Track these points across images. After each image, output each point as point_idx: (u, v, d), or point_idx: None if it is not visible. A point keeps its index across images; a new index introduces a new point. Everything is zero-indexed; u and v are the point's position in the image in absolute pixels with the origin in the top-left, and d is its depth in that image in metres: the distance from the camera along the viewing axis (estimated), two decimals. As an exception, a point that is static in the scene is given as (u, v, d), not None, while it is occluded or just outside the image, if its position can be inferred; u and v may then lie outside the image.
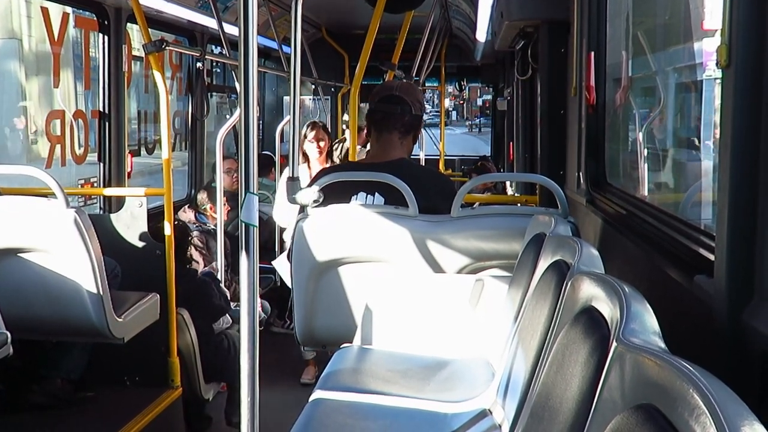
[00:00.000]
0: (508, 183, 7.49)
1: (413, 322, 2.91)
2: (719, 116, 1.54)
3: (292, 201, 3.08)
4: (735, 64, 1.45)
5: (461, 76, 10.85)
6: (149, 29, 4.18)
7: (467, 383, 2.52)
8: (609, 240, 2.86)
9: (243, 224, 1.90)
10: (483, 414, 2.32)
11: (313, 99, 7.71)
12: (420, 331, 2.88)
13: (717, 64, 1.48)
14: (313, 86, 7.51)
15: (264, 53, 7.41)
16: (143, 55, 4.65)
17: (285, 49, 6.38)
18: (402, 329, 2.90)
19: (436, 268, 3.04)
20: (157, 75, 4.18)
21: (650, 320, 1.37)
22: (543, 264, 2.28)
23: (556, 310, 1.90)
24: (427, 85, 10.22)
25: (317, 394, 2.43)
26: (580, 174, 3.40)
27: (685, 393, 1.00)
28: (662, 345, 1.28)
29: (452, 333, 2.86)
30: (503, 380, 2.28)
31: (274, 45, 6.82)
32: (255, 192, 1.90)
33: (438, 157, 8.94)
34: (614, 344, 1.32)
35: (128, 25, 4.99)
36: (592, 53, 3.31)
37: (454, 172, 9.45)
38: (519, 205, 4.54)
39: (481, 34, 6.81)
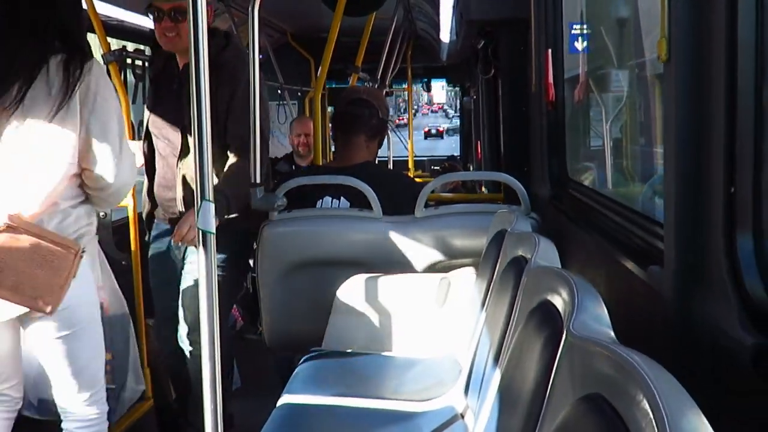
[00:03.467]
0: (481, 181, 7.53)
1: (381, 322, 2.92)
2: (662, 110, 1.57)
3: (256, 207, 3.09)
4: (675, 58, 1.48)
5: (428, 77, 10.90)
6: (111, 38, 4.15)
7: (435, 381, 2.54)
8: (571, 234, 2.89)
9: (200, 232, 1.90)
10: (450, 411, 2.34)
11: (280, 104, 7.68)
12: (387, 331, 2.90)
13: (657, 59, 1.51)
14: (279, 91, 7.49)
15: None
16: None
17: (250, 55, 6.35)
18: (370, 330, 2.91)
19: (402, 268, 3.05)
20: (116, 85, 4.15)
21: (600, 312, 1.40)
22: (504, 260, 2.31)
23: (515, 304, 1.92)
24: (394, 86, 10.26)
25: (285, 398, 2.44)
26: (543, 170, 3.43)
27: (629, 382, 1.02)
28: (611, 336, 1.30)
29: (420, 332, 2.88)
30: (469, 377, 2.30)
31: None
32: (211, 199, 1.90)
33: (407, 158, 8.96)
34: (565, 336, 1.34)
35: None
36: (550, 51, 3.35)
37: (423, 172, 9.48)
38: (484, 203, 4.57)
39: (445, 35, 6.85)
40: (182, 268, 3.21)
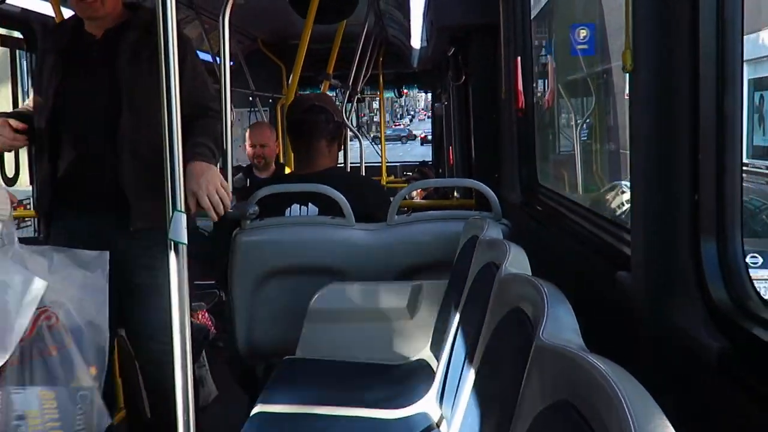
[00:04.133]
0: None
1: (355, 330, 2.92)
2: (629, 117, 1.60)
3: (228, 216, 3.08)
4: (639, 68, 1.51)
5: (400, 83, 10.94)
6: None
7: (408, 388, 2.55)
8: (541, 240, 2.92)
9: (172, 242, 1.89)
10: (424, 418, 2.35)
11: (251, 111, 7.66)
12: (361, 339, 2.90)
13: (623, 69, 1.54)
14: (251, 98, 7.47)
15: None
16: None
17: (220, 60, 6.33)
18: (344, 338, 2.91)
19: (376, 275, 3.06)
20: None
21: (569, 319, 1.42)
22: (476, 267, 2.32)
23: (488, 311, 1.94)
24: (367, 92, 10.29)
25: (258, 408, 2.43)
26: (513, 177, 3.47)
27: (596, 389, 1.04)
28: (580, 343, 1.32)
29: (393, 340, 2.89)
30: (442, 383, 2.31)
31: (208, 58, 6.77)
32: (182, 209, 1.89)
33: (379, 164, 8.99)
34: (534, 344, 1.36)
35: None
36: (519, 58, 3.39)
37: (396, 178, 9.51)
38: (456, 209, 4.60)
39: (416, 41, 6.89)
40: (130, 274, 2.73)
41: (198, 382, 3.94)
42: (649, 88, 1.50)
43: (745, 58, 1.40)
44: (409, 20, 6.35)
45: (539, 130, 3.57)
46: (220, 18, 3.00)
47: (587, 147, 4.60)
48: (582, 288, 2.14)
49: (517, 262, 1.99)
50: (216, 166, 2.62)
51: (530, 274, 1.97)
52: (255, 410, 2.43)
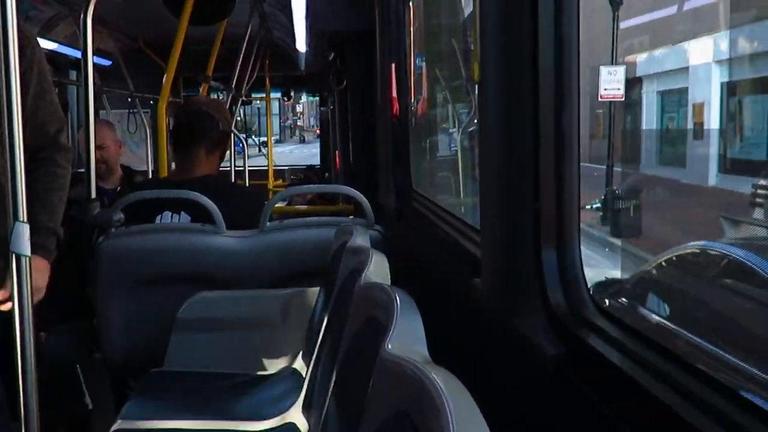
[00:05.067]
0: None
1: (225, 340, 2.86)
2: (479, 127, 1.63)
3: (90, 223, 2.96)
4: (486, 79, 1.54)
5: (287, 86, 10.86)
6: None
7: (276, 399, 2.51)
8: (413, 246, 2.95)
9: (14, 256, 1.79)
10: (290, 428, 2.32)
11: (131, 112, 7.41)
12: (231, 349, 2.84)
13: (471, 79, 1.56)
14: (129, 99, 7.23)
15: (74, 64, 7.05)
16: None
17: (96, 60, 6.09)
18: (213, 349, 2.84)
19: (248, 283, 3.01)
20: None
21: (417, 327, 1.42)
22: (342, 274, 2.31)
23: (349, 320, 1.93)
24: (253, 95, 10.15)
25: (118, 424, 2.33)
26: (388, 182, 3.49)
27: (428, 400, 1.04)
28: (423, 352, 1.33)
29: (264, 349, 2.84)
30: (309, 393, 2.29)
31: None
32: (24, 220, 1.79)
33: (266, 168, 8.89)
34: (379, 353, 1.36)
35: None
36: (394, 64, 3.41)
37: (283, 181, 9.43)
38: (336, 215, 4.59)
39: (301, 44, 6.83)
40: None
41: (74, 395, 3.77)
42: (495, 99, 1.53)
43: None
44: (292, 23, 6.30)
45: (425, 135, 3.61)
46: (81, 16, 2.87)
47: (468, 153, 4.69)
48: (445, 295, 2.17)
49: (378, 270, 1.99)
50: (53, 251, 2.37)
51: (389, 282, 1.98)
52: (115, 426, 2.34)
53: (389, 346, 1.34)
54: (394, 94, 3.41)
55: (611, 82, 4.58)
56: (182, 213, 3.07)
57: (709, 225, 3.88)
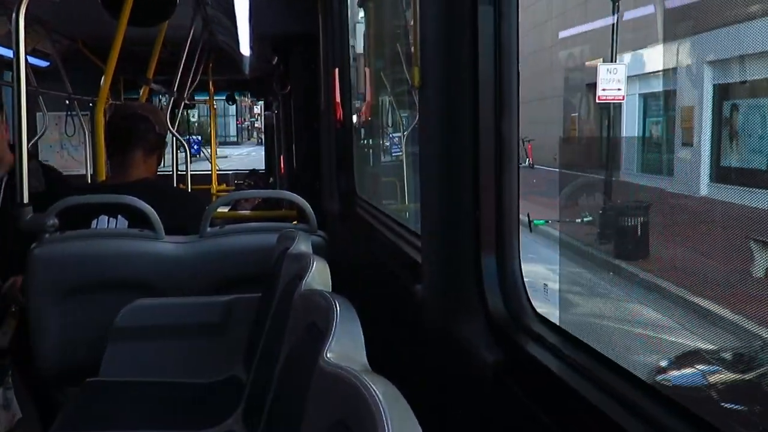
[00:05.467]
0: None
1: (163, 349, 2.79)
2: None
3: (23, 228, 2.86)
4: (427, 85, 1.54)
5: (232, 90, 10.75)
6: None
7: (217, 408, 2.46)
8: (356, 252, 2.93)
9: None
10: (231, 438, 2.28)
11: (69, 114, 7.23)
12: (170, 357, 2.78)
13: (412, 84, 1.56)
14: (68, 101, 7.05)
15: (8, 65, 6.85)
16: None
17: (33, 61, 5.93)
18: (151, 357, 2.78)
19: (186, 291, 2.95)
20: None
21: (356, 337, 1.41)
22: (283, 281, 2.28)
23: (289, 326, 1.91)
24: (196, 98, 10.01)
25: (50, 437, 2.26)
26: (332, 187, 3.47)
27: (366, 409, 1.03)
28: (362, 360, 1.31)
29: (203, 356, 2.79)
30: (249, 401, 2.25)
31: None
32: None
33: (210, 172, 8.77)
34: (319, 361, 1.34)
35: None
36: (337, 69, 3.40)
37: (228, 186, 9.31)
38: (280, 220, 4.54)
39: (245, 48, 6.76)
40: None
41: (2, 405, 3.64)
42: (435, 105, 1.53)
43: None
44: (236, 27, 6.23)
45: (370, 139, 3.60)
46: (14, 15, 2.78)
47: (412, 157, 4.69)
48: (387, 300, 2.16)
49: (319, 275, 1.97)
50: None
51: (330, 288, 1.96)
52: (46, 439, 2.26)
53: (328, 355, 1.33)
54: (338, 99, 3.39)
55: (611, 82, 4.05)
56: (119, 217, 2.99)
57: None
